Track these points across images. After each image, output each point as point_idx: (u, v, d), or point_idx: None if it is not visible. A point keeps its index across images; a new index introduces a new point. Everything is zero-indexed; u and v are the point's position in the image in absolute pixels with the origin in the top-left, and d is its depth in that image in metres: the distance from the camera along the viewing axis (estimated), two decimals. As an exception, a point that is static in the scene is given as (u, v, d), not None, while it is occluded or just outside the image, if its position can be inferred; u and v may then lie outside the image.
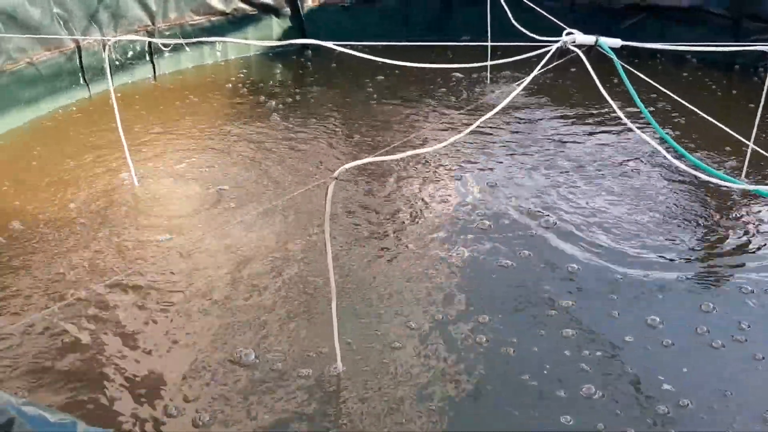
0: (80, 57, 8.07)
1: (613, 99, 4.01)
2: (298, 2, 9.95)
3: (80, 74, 8.10)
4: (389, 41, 5.13)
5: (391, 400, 3.76)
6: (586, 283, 4.76)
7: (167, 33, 8.93)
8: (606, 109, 7.47)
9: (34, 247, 5.20)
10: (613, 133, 7.08)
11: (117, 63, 8.51)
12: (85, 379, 3.94)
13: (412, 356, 4.07)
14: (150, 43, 8.71)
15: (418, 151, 4.02)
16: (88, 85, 8.18)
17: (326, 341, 4.03)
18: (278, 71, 9.39)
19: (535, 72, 4.45)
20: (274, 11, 9.92)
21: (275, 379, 3.90)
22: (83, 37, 7.93)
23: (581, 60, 4.18)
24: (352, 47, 4.27)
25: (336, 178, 3.48)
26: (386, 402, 3.74)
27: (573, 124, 7.36)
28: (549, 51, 4.35)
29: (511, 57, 4.89)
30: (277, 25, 9.99)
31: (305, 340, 4.20)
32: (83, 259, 5.04)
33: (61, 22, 7.78)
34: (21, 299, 4.62)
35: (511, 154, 6.66)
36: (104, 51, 7.50)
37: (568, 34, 4.37)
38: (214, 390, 3.84)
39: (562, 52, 4.42)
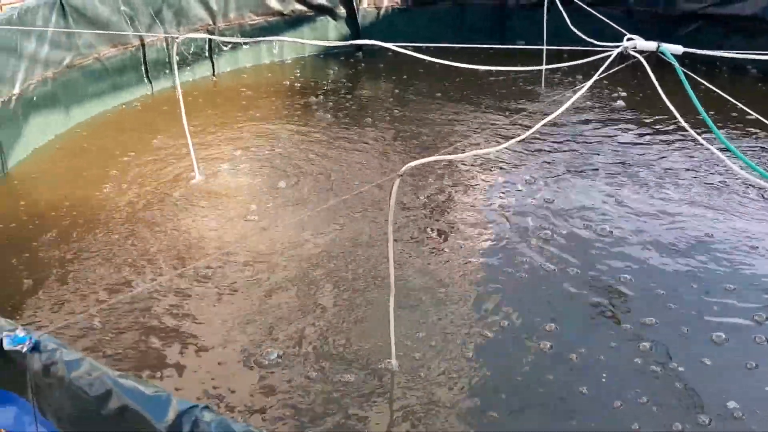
0: (144, 54, 8.33)
1: (673, 107, 4.02)
2: (354, 3, 10.11)
3: (143, 70, 8.37)
4: (444, 44, 5.20)
5: (441, 402, 3.83)
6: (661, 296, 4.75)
7: (227, 32, 9.16)
8: (663, 116, 7.43)
9: (100, 237, 5.41)
10: (673, 142, 7.03)
11: (179, 60, 8.76)
12: (165, 356, 4.11)
13: (470, 360, 4.13)
14: (210, 41, 8.95)
15: (482, 151, 4.10)
16: (150, 81, 8.45)
17: (382, 337, 4.10)
18: (332, 71, 9.55)
19: (596, 77, 4.46)
20: (330, 12, 10.09)
21: (330, 370, 4.00)
22: (151, 35, 8.20)
23: (637, 66, 4.20)
24: (409, 48, 4.36)
25: (401, 176, 3.56)
26: (435, 404, 3.82)
27: (631, 130, 7.33)
28: (609, 56, 4.38)
29: (569, 62, 4.93)
30: (332, 26, 10.15)
31: (360, 335, 4.30)
32: (150, 249, 5.22)
33: (128, 20, 8.04)
34: (88, 285, 4.82)
35: (568, 159, 6.67)
36: (171, 48, 7.76)
37: (629, 39, 4.40)
38: (264, 376, 3.96)
39: (622, 57, 4.44)
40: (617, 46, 4.33)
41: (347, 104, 8.20)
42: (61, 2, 7.23)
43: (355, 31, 10.20)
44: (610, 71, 4.45)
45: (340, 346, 4.18)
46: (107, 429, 2.21)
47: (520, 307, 4.54)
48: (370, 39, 4.58)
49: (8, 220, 5.65)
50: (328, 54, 10.08)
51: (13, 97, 6.58)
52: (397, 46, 4.36)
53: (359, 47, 10.04)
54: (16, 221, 5.64)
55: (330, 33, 10.14)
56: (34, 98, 6.93)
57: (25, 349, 2.31)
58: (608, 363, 4.06)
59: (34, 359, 2.32)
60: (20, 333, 2.34)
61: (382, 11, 10.36)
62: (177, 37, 6.70)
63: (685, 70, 4.14)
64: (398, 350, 4.01)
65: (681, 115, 4.38)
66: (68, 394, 2.25)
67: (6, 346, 2.33)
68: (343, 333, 4.30)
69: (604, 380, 3.93)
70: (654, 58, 4.26)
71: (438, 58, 4.57)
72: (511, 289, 4.74)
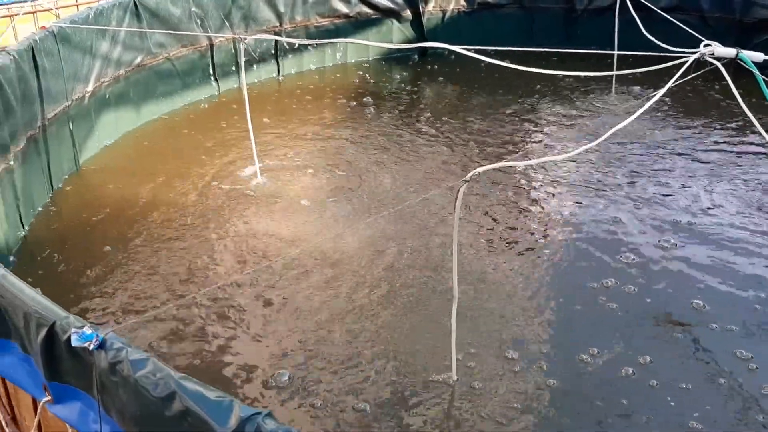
0: (212, 54, 8.46)
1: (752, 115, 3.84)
2: (420, 6, 10.05)
3: (211, 71, 8.49)
4: (510, 47, 5.09)
5: (496, 417, 3.74)
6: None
7: (293, 34, 9.22)
8: (739, 124, 7.14)
9: (163, 235, 5.50)
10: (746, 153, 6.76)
11: (246, 61, 8.86)
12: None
13: (529, 381, 4.02)
14: (276, 42, 9.03)
15: (550, 158, 3.97)
16: (217, 81, 8.57)
17: (443, 348, 4.03)
18: (396, 74, 9.51)
19: (671, 83, 4.30)
20: (395, 15, 10.06)
21: (389, 378, 3.96)
22: (220, 35, 8.31)
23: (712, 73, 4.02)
24: (474, 51, 4.27)
25: (467, 181, 3.49)
26: (492, 419, 3.73)
27: (707, 137, 7.07)
28: (685, 63, 4.21)
29: (642, 68, 4.76)
30: (396, 29, 10.12)
31: (420, 344, 4.23)
32: (211, 249, 5.27)
33: (198, 21, 8.18)
34: (153, 283, 4.90)
35: (644, 167, 6.47)
36: (239, 48, 7.85)
37: (706, 45, 4.22)
38: (320, 377, 3.94)
39: (698, 64, 4.26)
40: (693, 53, 4.17)
41: (410, 107, 8.15)
42: (135, 3, 7.39)
43: (420, 34, 10.14)
44: (686, 78, 4.29)
45: (402, 354, 4.13)
46: (169, 430, 2.20)
47: (589, 331, 4.41)
48: (434, 42, 4.51)
49: (79, 214, 5.80)
50: (391, 57, 10.05)
51: (87, 95, 6.76)
52: (463, 48, 4.28)
53: (424, 50, 10.00)
54: (87, 215, 5.78)
55: (394, 36, 10.11)
56: (107, 96, 7.11)
57: (92, 347, 2.33)
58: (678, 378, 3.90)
59: (100, 357, 2.34)
60: (88, 330, 2.37)
61: (448, 14, 10.27)
62: (245, 38, 6.74)
63: (765, 78, 3.97)
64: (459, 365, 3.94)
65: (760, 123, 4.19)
66: (133, 393, 2.26)
67: (74, 343, 2.35)
68: (402, 341, 4.25)
69: (672, 403, 3.77)
70: (733, 65, 4.08)
71: (504, 61, 4.46)
72: (576, 306, 4.60)
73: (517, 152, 6.57)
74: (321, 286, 4.78)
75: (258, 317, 4.50)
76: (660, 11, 7.45)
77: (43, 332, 2.50)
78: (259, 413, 2.01)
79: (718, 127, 7.35)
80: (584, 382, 3.93)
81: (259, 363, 4.09)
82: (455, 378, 3.91)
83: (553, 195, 5.98)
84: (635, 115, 3.94)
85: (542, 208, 5.79)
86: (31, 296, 2.63)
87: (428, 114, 7.90)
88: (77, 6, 10.11)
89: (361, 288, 4.75)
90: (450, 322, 3.76)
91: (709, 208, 5.75)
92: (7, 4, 9.43)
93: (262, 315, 4.52)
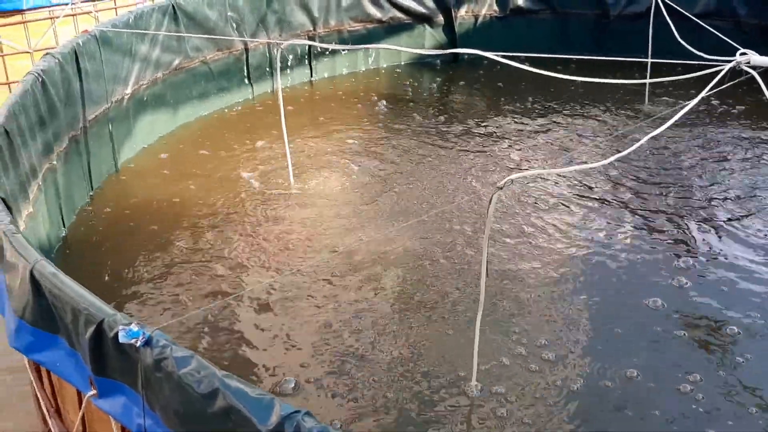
0: (247, 58, 8.60)
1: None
2: (452, 12, 10.10)
3: (246, 75, 8.63)
4: (543, 54, 5.12)
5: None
6: None
7: (327, 39, 9.34)
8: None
9: (199, 238, 5.62)
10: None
11: (280, 65, 8.98)
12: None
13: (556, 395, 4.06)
14: (309, 47, 9.15)
15: (583, 166, 4.00)
16: (252, 85, 8.71)
17: (465, 356, 4.08)
18: (428, 79, 9.58)
19: (704, 92, 4.26)
20: (428, 20, 10.12)
21: (410, 388, 4.02)
22: (256, 40, 8.44)
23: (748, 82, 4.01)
24: (507, 57, 4.31)
25: (501, 188, 3.53)
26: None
27: (738, 150, 7.03)
28: (720, 71, 4.20)
29: (675, 76, 4.75)
30: (429, 34, 10.18)
31: (444, 353, 4.29)
32: (243, 253, 5.38)
33: (234, 25, 8.32)
34: (188, 286, 5.02)
35: (681, 179, 6.46)
36: (275, 53, 7.97)
37: (742, 54, 4.21)
38: (341, 387, 4.01)
39: (733, 73, 4.25)
40: (729, 61, 4.16)
41: (442, 113, 8.21)
42: (173, 6, 7.55)
43: (452, 39, 10.19)
44: (720, 87, 4.28)
45: (423, 363, 4.19)
46: (212, 427, 2.29)
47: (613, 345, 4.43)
48: (467, 48, 4.56)
49: (118, 214, 5.95)
50: (423, 62, 10.12)
51: (126, 97, 6.92)
52: (495, 55, 4.32)
53: (456, 55, 10.04)
54: (125, 215, 5.93)
55: (427, 41, 10.17)
56: (145, 98, 7.27)
57: (138, 344, 2.43)
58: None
59: (146, 353, 2.43)
60: (134, 327, 2.47)
61: (480, 19, 10.31)
62: (281, 43, 6.85)
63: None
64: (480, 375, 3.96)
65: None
66: (177, 389, 2.35)
67: (121, 339, 2.45)
68: (425, 349, 4.31)
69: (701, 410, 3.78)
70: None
71: (536, 68, 4.49)
72: (603, 323, 4.62)
73: (550, 159, 6.59)
74: (356, 289, 4.86)
75: (291, 320, 4.58)
76: (694, 17, 7.40)
77: (92, 329, 2.60)
78: (298, 411, 2.09)
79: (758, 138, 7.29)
80: (621, 397, 3.96)
81: (287, 364, 4.18)
82: (477, 388, 3.91)
83: (585, 204, 5.99)
84: (667, 124, 3.91)
85: (572, 218, 5.80)
86: (80, 294, 2.74)
87: (459, 120, 7.95)
88: (116, 9, 10.31)
89: (386, 292, 4.82)
90: (474, 331, 3.81)
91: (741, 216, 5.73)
92: (48, 6, 9.66)
93: (293, 318, 4.60)
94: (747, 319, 4.50)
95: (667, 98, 8.39)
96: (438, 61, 10.11)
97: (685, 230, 5.54)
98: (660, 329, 4.42)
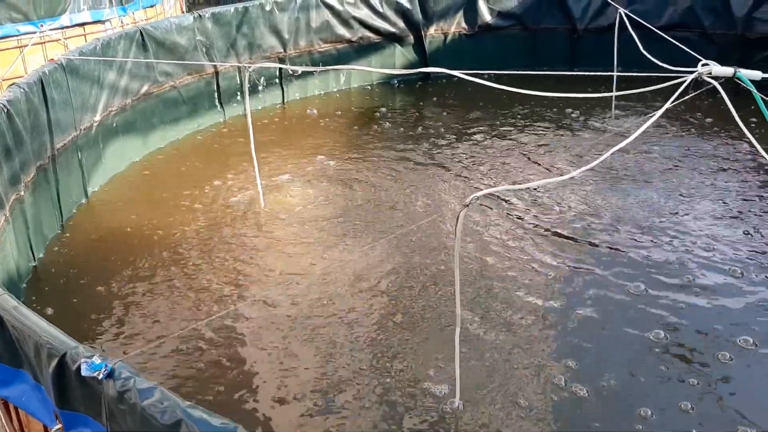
0: (218, 82, 8.60)
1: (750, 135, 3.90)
2: (422, 30, 10.17)
3: (217, 98, 8.63)
4: (513, 70, 5.17)
5: None
6: None
7: (297, 60, 9.36)
8: (740, 144, 7.19)
9: (172, 264, 5.57)
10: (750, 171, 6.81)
11: (250, 88, 8.99)
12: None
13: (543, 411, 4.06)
14: (280, 69, 9.16)
15: (551, 180, 4.03)
16: (223, 108, 8.70)
17: (446, 371, 4.07)
18: (399, 98, 9.63)
19: (668, 104, 4.34)
20: (398, 39, 10.18)
21: (390, 408, 4.00)
22: (225, 64, 8.44)
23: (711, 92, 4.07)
24: (476, 75, 4.34)
25: (467, 206, 3.55)
26: None
27: (701, 160, 7.14)
28: (683, 83, 4.26)
29: (641, 88, 4.82)
30: (399, 53, 10.24)
31: (424, 368, 4.28)
32: (216, 277, 5.35)
33: (204, 49, 8.32)
34: (160, 313, 4.96)
35: (638, 182, 6.54)
36: (244, 76, 7.97)
37: (704, 65, 4.27)
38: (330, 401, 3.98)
39: (696, 84, 4.32)
40: (692, 72, 4.22)
41: (413, 131, 8.24)
42: (141, 34, 7.54)
43: (423, 57, 10.26)
44: (684, 98, 4.35)
45: (403, 379, 4.18)
46: (177, 457, 2.26)
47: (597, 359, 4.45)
48: (437, 66, 4.59)
49: (88, 243, 5.88)
50: (394, 81, 10.17)
51: (95, 125, 6.88)
52: (463, 73, 4.36)
53: (427, 74, 10.10)
54: (96, 244, 5.87)
55: (397, 60, 10.24)
56: (114, 125, 7.22)
57: (101, 376, 2.39)
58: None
59: (109, 386, 2.40)
60: (97, 360, 2.43)
61: (450, 37, 10.39)
62: (250, 66, 6.86)
63: (764, 96, 4.01)
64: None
65: (759, 143, 4.23)
66: (141, 421, 2.32)
67: (84, 372, 2.42)
68: (405, 366, 4.29)
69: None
70: (731, 84, 4.13)
71: (506, 84, 4.54)
72: (582, 337, 4.64)
73: (520, 174, 6.63)
74: (323, 305, 4.84)
75: (267, 342, 4.55)
76: (658, 30, 7.51)
77: (54, 362, 2.56)
78: (263, 439, 2.07)
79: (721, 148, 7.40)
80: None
81: (264, 388, 4.14)
82: (460, 404, 3.92)
83: (553, 214, 6.03)
84: (633, 136, 3.94)
85: (543, 229, 5.83)
86: (42, 327, 2.70)
87: (430, 138, 7.98)
88: (85, 36, 10.26)
89: (359, 313, 4.81)
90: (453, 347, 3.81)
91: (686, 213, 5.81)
92: (17, 36, 9.59)
93: (270, 341, 4.57)
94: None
95: (635, 109, 8.50)
96: (418, 79, 10.16)
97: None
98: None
